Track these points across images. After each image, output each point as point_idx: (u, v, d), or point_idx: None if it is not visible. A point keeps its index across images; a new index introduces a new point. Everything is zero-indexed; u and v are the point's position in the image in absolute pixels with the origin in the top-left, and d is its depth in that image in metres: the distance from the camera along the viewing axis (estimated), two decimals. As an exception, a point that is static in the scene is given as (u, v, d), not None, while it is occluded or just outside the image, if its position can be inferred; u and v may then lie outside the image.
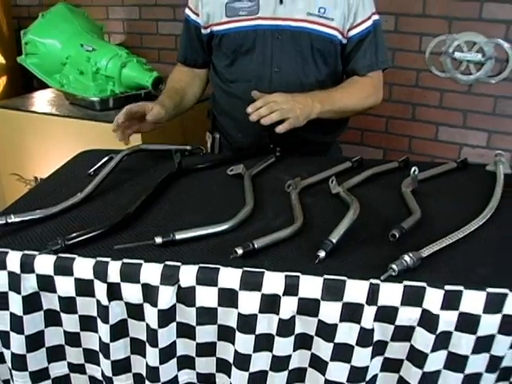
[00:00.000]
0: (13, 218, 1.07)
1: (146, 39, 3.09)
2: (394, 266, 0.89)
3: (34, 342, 1.02)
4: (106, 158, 1.39)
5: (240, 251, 0.95)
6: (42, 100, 2.75)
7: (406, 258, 0.91)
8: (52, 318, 1.01)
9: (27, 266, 0.96)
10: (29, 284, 0.97)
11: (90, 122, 2.37)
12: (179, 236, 1.01)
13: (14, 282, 0.97)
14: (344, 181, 1.30)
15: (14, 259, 0.97)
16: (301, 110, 1.44)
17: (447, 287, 0.87)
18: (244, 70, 1.67)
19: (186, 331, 0.97)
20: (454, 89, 2.44)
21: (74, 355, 1.06)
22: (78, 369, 1.07)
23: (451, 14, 2.33)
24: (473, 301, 0.87)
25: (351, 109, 1.66)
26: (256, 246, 0.98)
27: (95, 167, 1.36)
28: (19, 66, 2.98)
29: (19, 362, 1.02)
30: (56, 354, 1.05)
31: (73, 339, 1.03)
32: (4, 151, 2.73)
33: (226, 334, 0.96)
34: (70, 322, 1.00)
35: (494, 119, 2.39)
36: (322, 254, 0.95)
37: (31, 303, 0.98)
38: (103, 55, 2.44)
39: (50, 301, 0.99)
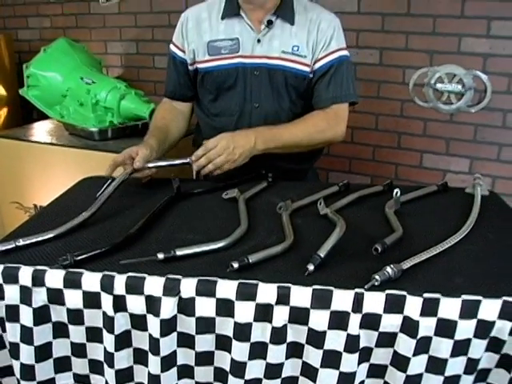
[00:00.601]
0: (21, 242, 1.14)
1: (142, 73, 3.18)
2: (376, 277, 0.97)
3: (43, 352, 1.07)
4: (110, 181, 1.46)
5: (236, 265, 1.03)
6: (41, 130, 2.81)
7: (388, 269, 0.98)
8: (60, 330, 1.07)
9: (38, 280, 1.03)
10: (39, 297, 1.03)
11: (89, 151, 2.43)
12: (180, 252, 1.08)
13: (26, 296, 1.03)
14: (332, 203, 1.37)
15: (25, 274, 1.03)
16: (240, 153, 1.53)
17: (426, 295, 0.94)
18: (227, 105, 1.76)
19: (186, 341, 1.03)
20: (437, 118, 2.54)
21: (80, 366, 1.11)
22: (82, 379, 1.13)
23: (432, 48, 2.45)
24: (450, 307, 0.94)
25: (305, 143, 1.69)
26: (250, 260, 1.05)
27: (102, 190, 1.43)
28: (19, 97, 3.06)
29: (28, 373, 1.08)
30: (63, 364, 1.11)
31: (79, 350, 1.09)
32: (4, 180, 2.79)
33: (223, 342, 1.02)
34: (77, 334, 1.06)
35: (475, 146, 2.48)
36: (311, 267, 1.03)
37: (41, 315, 1.05)
38: (103, 88, 2.52)
39: (58, 313, 1.05)
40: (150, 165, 1.54)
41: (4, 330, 1.08)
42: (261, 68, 1.70)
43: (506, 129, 2.42)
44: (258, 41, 1.70)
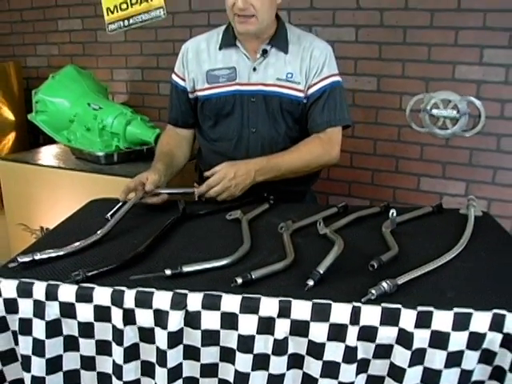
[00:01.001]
0: (39, 256, 1.20)
1: (147, 99, 3.26)
2: (373, 291, 1.02)
3: (54, 365, 1.12)
4: (120, 204, 1.51)
5: (240, 280, 1.08)
6: (48, 154, 2.89)
7: (384, 284, 1.04)
8: (71, 343, 1.11)
9: (51, 294, 1.08)
10: (52, 311, 1.08)
11: (95, 174, 2.49)
12: (186, 269, 1.14)
13: (39, 309, 1.08)
14: (331, 224, 1.43)
15: (39, 288, 1.08)
16: (237, 186, 1.62)
17: (419, 308, 0.99)
18: (226, 130, 1.84)
19: (191, 353, 1.07)
20: (433, 143, 2.60)
21: (89, 379, 1.15)
22: (91, 392, 1.17)
23: (427, 75, 2.52)
24: (442, 320, 0.98)
25: (302, 170, 1.76)
26: (253, 276, 1.10)
27: (112, 211, 1.48)
28: (27, 122, 3.14)
29: (39, 385, 1.12)
30: (72, 377, 1.15)
31: (88, 363, 1.13)
32: (12, 202, 2.85)
33: (228, 354, 1.07)
34: (87, 347, 1.11)
35: (471, 170, 2.54)
36: (310, 282, 1.08)
37: (53, 329, 1.09)
38: (109, 113, 2.60)
39: (70, 327, 1.10)
40: (160, 191, 1.61)
41: (16, 343, 1.13)
42: (257, 95, 1.78)
43: (500, 152, 2.48)
44: (254, 69, 1.77)
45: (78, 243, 1.27)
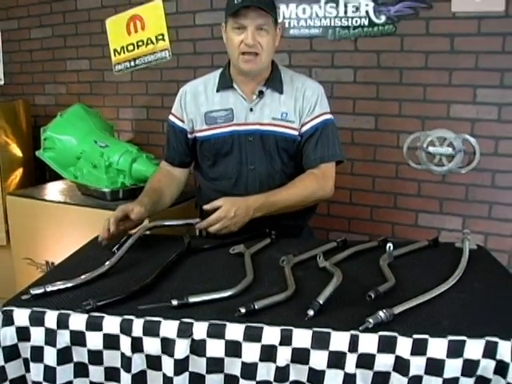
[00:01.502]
0: (50, 287, 1.25)
1: (152, 137, 3.33)
2: (370, 320, 1.07)
3: (64, 391, 1.16)
4: (125, 238, 1.57)
5: (243, 310, 1.13)
6: (55, 190, 2.95)
7: (381, 313, 1.08)
8: (81, 370, 1.16)
9: (62, 323, 1.13)
10: (63, 339, 1.13)
11: (100, 210, 2.54)
12: (192, 299, 1.19)
13: (50, 337, 1.13)
14: (330, 257, 1.48)
15: (51, 317, 1.13)
16: (236, 224, 1.68)
17: (415, 336, 1.04)
18: (225, 169, 1.90)
19: (197, 380, 1.11)
20: (430, 179, 2.65)
21: (98, 404, 1.19)
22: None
23: (423, 114, 2.60)
24: (437, 347, 1.03)
25: (298, 205, 1.82)
26: (256, 306, 1.15)
27: (118, 245, 1.54)
28: (34, 159, 3.22)
29: (49, 411, 1.16)
30: (81, 404, 1.19)
31: (97, 390, 1.17)
32: (18, 237, 2.90)
33: (231, 381, 1.11)
34: (96, 373, 1.15)
35: (467, 205, 2.59)
36: (311, 312, 1.13)
37: (64, 356, 1.14)
38: (115, 151, 2.67)
39: (80, 354, 1.15)
40: (163, 223, 1.66)
41: (28, 370, 1.17)
42: (254, 134, 1.85)
43: (495, 188, 2.53)
44: (251, 109, 1.85)
45: (86, 275, 1.33)
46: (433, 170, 2.64)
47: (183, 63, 3.14)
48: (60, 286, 1.26)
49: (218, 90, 1.89)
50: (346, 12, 2.65)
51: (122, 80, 3.37)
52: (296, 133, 1.86)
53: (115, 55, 3.33)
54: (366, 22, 2.62)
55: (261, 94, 1.85)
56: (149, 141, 3.34)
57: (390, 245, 1.46)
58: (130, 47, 3.26)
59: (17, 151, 3.29)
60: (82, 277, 1.32)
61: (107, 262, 1.39)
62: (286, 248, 1.60)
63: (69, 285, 1.27)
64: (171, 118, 1.97)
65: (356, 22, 2.64)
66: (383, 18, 2.59)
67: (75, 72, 3.57)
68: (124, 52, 3.28)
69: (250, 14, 1.70)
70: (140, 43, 3.22)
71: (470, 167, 2.56)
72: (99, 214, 2.52)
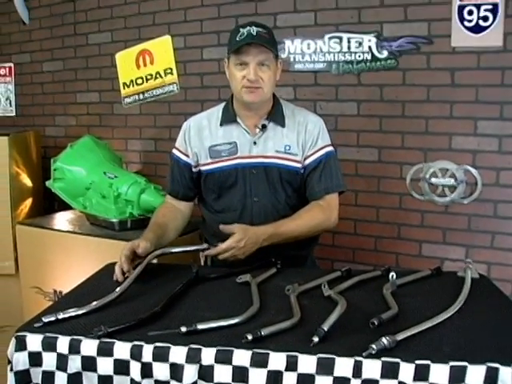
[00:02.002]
0: (61, 315, 1.28)
1: (160, 169, 3.37)
2: (373, 346, 1.09)
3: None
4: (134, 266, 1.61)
5: (250, 337, 1.16)
6: (63, 220, 2.99)
7: (384, 340, 1.11)
8: (91, 395, 1.18)
9: (74, 348, 1.16)
10: (74, 364, 1.16)
11: (109, 240, 2.57)
12: (200, 326, 1.22)
13: (62, 362, 1.16)
14: (335, 286, 1.51)
15: (63, 343, 1.17)
16: (244, 253, 1.73)
17: (417, 362, 1.07)
18: (229, 202, 1.94)
19: (204, 405, 1.14)
20: (433, 209, 2.68)
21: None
22: None
23: (426, 146, 2.65)
24: (439, 373, 1.05)
25: (305, 234, 1.88)
26: (263, 333, 1.18)
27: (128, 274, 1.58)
28: (43, 189, 3.28)
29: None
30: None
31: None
32: (26, 265, 2.93)
33: (238, 406, 1.13)
34: (106, 399, 1.18)
35: (470, 235, 2.61)
36: (315, 339, 1.16)
37: (74, 381, 1.17)
38: (124, 182, 2.71)
39: (90, 379, 1.18)
40: (172, 250, 1.69)
41: (38, 395, 1.20)
42: (258, 167, 1.90)
43: (497, 218, 2.56)
44: (254, 143, 1.90)
45: (96, 302, 1.36)
46: (436, 201, 2.67)
47: (191, 96, 3.22)
48: (71, 313, 1.30)
49: (221, 124, 1.94)
50: (349, 47, 2.73)
51: (131, 112, 3.44)
52: (299, 165, 1.91)
53: (124, 88, 3.41)
54: (369, 57, 2.70)
55: (264, 127, 1.90)
56: (156, 172, 3.39)
57: (392, 274, 1.49)
58: (139, 81, 3.35)
59: (27, 181, 3.35)
60: (93, 303, 1.35)
61: (118, 289, 1.42)
62: (291, 277, 1.63)
63: (80, 312, 1.31)
64: (175, 152, 2.01)
65: (359, 56, 2.72)
66: (385, 53, 2.67)
67: (85, 104, 3.66)
68: (133, 85, 3.37)
69: (252, 51, 1.77)
70: (149, 77, 3.31)
71: (472, 198, 2.59)
72: (108, 244, 2.56)
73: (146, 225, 2.67)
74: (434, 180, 2.65)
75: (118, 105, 3.48)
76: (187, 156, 1.96)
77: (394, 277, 1.49)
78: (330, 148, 1.95)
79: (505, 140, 2.50)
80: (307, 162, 1.92)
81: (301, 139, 1.91)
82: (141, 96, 3.36)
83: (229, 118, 1.93)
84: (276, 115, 1.93)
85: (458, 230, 2.65)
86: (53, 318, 1.27)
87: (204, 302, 1.45)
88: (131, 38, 3.38)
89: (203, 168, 1.94)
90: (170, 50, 3.24)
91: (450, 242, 2.67)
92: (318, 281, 1.57)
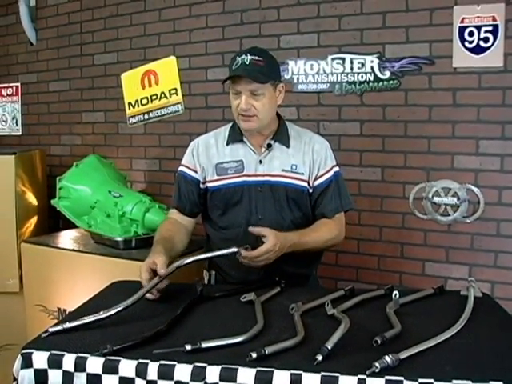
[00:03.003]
0: (67, 325, 1.31)
1: (164, 188, 3.40)
2: (376, 364, 1.10)
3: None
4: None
5: (254, 355, 1.17)
6: (68, 238, 3.02)
7: (387, 358, 1.12)
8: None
9: (80, 365, 1.17)
10: (79, 382, 1.17)
11: (114, 259, 2.59)
12: (205, 344, 1.23)
13: (68, 380, 1.18)
14: (338, 305, 1.52)
15: (69, 360, 1.18)
16: (271, 259, 1.74)
17: (421, 380, 1.07)
18: (234, 218, 1.95)
19: (209, 423, 1.15)
20: (436, 229, 2.70)
21: None
22: None
23: (428, 166, 2.67)
24: (442, 392, 1.06)
25: (320, 247, 1.95)
26: (267, 351, 1.19)
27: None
28: (48, 207, 3.30)
29: None
30: None
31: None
32: (31, 283, 2.95)
33: (243, 424, 1.14)
34: (111, 417, 1.18)
35: (473, 254, 2.62)
36: (319, 357, 1.17)
37: (80, 399, 1.18)
38: (129, 201, 2.74)
39: (95, 397, 1.19)
40: (200, 257, 1.72)
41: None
42: (264, 185, 1.92)
43: (500, 237, 2.57)
44: (260, 162, 1.93)
45: (102, 312, 1.39)
46: (438, 220, 2.69)
47: (195, 117, 3.26)
48: (78, 321, 1.32)
49: (227, 144, 1.97)
50: (352, 68, 2.77)
51: (136, 132, 3.48)
52: (305, 184, 1.94)
53: (129, 108, 3.46)
54: (372, 78, 2.74)
55: (269, 146, 1.94)
56: (161, 191, 3.41)
57: (396, 292, 1.50)
58: (144, 101, 3.39)
59: (32, 200, 3.38)
60: (101, 313, 1.37)
61: (127, 301, 1.44)
62: (295, 296, 1.63)
63: (87, 320, 1.33)
64: (182, 169, 2.03)
65: (362, 77, 2.76)
66: (388, 74, 2.71)
67: (90, 124, 3.70)
68: (138, 105, 3.41)
69: (243, 81, 1.81)
70: (154, 97, 3.35)
71: (474, 216, 2.61)
72: (112, 263, 2.59)
73: (150, 244, 2.66)
74: (436, 199, 2.67)
75: (123, 124, 3.52)
76: (195, 172, 1.98)
77: (397, 295, 1.50)
78: (337, 168, 2.00)
79: (507, 159, 2.53)
80: (318, 182, 1.95)
81: (308, 159, 1.94)
82: (146, 116, 3.40)
83: (235, 137, 1.97)
84: (281, 136, 1.96)
85: (460, 248, 2.66)
86: (60, 328, 1.29)
87: (208, 321, 1.46)
88: (137, 58, 3.44)
89: (210, 185, 1.96)
90: (174, 71, 3.29)
91: (453, 261, 2.68)
92: (321, 300, 1.58)
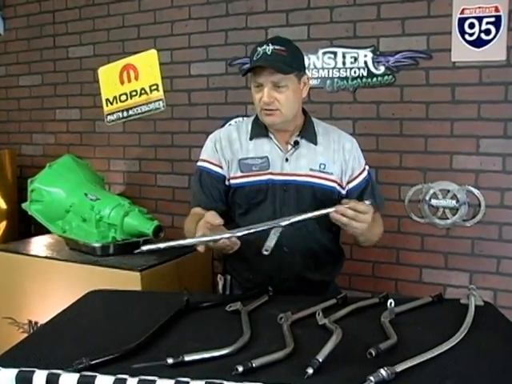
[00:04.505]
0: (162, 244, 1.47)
1: (144, 190, 3.41)
2: (371, 378, 1.10)
3: None
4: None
5: (240, 368, 1.16)
6: (40, 245, 3.00)
7: (382, 371, 1.12)
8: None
9: (52, 383, 1.14)
10: (52, 401, 1.16)
11: (90, 266, 2.59)
12: (188, 358, 1.22)
13: (39, 399, 1.15)
14: (330, 314, 1.52)
15: (39, 377, 1.15)
16: (365, 226, 1.67)
17: (417, 395, 1.08)
18: (257, 218, 1.86)
19: None
20: (434, 233, 2.72)
21: None
22: None
23: (425, 166, 2.70)
24: (440, 407, 1.07)
25: (374, 239, 1.98)
26: (254, 364, 1.18)
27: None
28: (18, 211, 3.27)
29: None
30: None
31: None
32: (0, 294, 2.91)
33: None
34: None
35: (474, 260, 2.64)
36: (310, 370, 1.16)
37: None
38: (107, 204, 2.73)
39: (69, 417, 1.17)
40: (298, 218, 1.67)
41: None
42: (290, 184, 1.91)
43: (502, 242, 2.60)
44: (286, 160, 1.92)
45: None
46: (436, 224, 2.70)
47: (177, 114, 3.26)
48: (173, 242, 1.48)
49: (251, 138, 1.96)
50: (344, 63, 2.79)
51: (114, 131, 3.48)
52: (334, 185, 1.94)
53: (107, 105, 3.45)
54: (365, 73, 2.75)
55: (296, 144, 1.93)
56: (141, 194, 3.42)
57: (391, 301, 1.51)
58: (123, 97, 3.38)
59: (1, 203, 3.35)
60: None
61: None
62: (284, 305, 1.62)
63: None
64: (205, 164, 1.99)
65: (355, 72, 2.77)
66: (382, 69, 2.72)
67: (65, 122, 3.69)
68: (116, 102, 3.40)
69: (265, 72, 1.80)
70: (133, 93, 3.35)
71: (475, 220, 2.63)
72: (88, 271, 2.58)
73: (129, 250, 2.67)
74: (434, 201, 2.69)
75: (101, 122, 3.51)
76: (220, 167, 1.96)
77: (393, 304, 1.50)
78: (367, 166, 2.04)
79: (509, 159, 2.56)
80: (354, 183, 1.98)
81: (338, 158, 1.95)
82: (125, 113, 3.40)
83: (260, 132, 1.95)
84: (308, 132, 1.96)
85: (460, 254, 2.68)
86: (154, 246, 1.49)
87: (193, 332, 1.45)
88: (115, 51, 3.43)
89: (233, 181, 1.94)
90: (155, 65, 3.28)
91: (452, 268, 2.70)
92: (312, 309, 1.58)
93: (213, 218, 1.66)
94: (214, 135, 2.03)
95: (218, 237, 1.60)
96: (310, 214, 1.68)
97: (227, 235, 1.62)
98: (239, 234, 1.64)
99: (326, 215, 1.66)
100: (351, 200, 1.68)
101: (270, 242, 1.59)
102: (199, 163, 2.02)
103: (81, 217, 2.78)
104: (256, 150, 1.94)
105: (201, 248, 1.59)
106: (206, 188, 1.97)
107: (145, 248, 1.50)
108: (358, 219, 1.64)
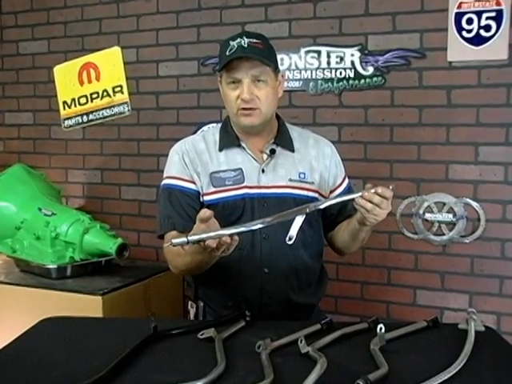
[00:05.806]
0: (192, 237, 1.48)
1: (107, 204, 3.39)
2: (359, 412, 1.11)
3: None
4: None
5: (214, 403, 1.17)
6: (-13, 267, 2.94)
7: (372, 404, 1.13)
8: None
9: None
10: None
11: (44, 290, 2.55)
12: (154, 392, 1.22)
13: None
14: (313, 342, 1.52)
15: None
16: (385, 213, 1.69)
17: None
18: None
19: None
20: (429, 250, 2.74)
21: None
22: None
23: (418, 176, 2.72)
24: None
25: (364, 242, 2.02)
26: (229, 398, 1.19)
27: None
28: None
29: None
30: None
31: None
32: None
33: None
34: None
35: (474, 280, 2.66)
36: (292, 404, 1.17)
37: None
38: (64, 220, 2.70)
39: None
40: (326, 204, 1.69)
41: None
42: (269, 198, 1.90)
43: (505, 260, 2.62)
44: (263, 171, 1.92)
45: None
46: (431, 240, 2.73)
47: (144, 119, 3.25)
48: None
49: (221, 149, 1.94)
50: (328, 63, 2.82)
51: (73, 137, 3.46)
52: (315, 195, 1.95)
53: (64, 108, 3.43)
54: (352, 74, 2.78)
55: (273, 152, 1.93)
56: (103, 208, 3.39)
57: (381, 326, 1.51)
58: (83, 100, 3.37)
59: None
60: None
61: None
62: (262, 331, 1.62)
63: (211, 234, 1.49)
64: (175, 182, 1.94)
65: (340, 73, 2.80)
66: (371, 70, 2.75)
67: (15, 127, 3.66)
68: (75, 105, 3.39)
69: (244, 66, 1.80)
70: (94, 95, 3.33)
71: (474, 236, 2.66)
72: (42, 295, 2.55)
73: (89, 272, 2.70)
74: (428, 216, 2.72)
75: (57, 128, 3.49)
76: (193, 183, 1.93)
77: (383, 330, 1.51)
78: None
79: (511, 168, 2.58)
80: (339, 191, 2.02)
81: (318, 165, 1.97)
82: (84, 118, 3.38)
83: (230, 141, 1.94)
84: (284, 139, 1.97)
85: (459, 274, 2.70)
86: (184, 240, 1.46)
87: (161, 363, 1.45)
88: (73, 48, 3.42)
89: (206, 198, 1.92)
90: (119, 64, 3.28)
91: (449, 289, 2.72)
92: (293, 335, 1.58)
93: (203, 212, 1.61)
94: (180, 147, 1.98)
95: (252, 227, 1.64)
96: (334, 200, 1.72)
97: (258, 225, 1.65)
98: (259, 226, 1.66)
99: (351, 200, 1.70)
100: (374, 185, 1.68)
101: (293, 231, 1.63)
102: (167, 181, 1.96)
103: (34, 234, 2.74)
104: (228, 161, 1.93)
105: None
106: (180, 208, 1.92)
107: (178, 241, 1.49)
108: (382, 206, 1.66)
